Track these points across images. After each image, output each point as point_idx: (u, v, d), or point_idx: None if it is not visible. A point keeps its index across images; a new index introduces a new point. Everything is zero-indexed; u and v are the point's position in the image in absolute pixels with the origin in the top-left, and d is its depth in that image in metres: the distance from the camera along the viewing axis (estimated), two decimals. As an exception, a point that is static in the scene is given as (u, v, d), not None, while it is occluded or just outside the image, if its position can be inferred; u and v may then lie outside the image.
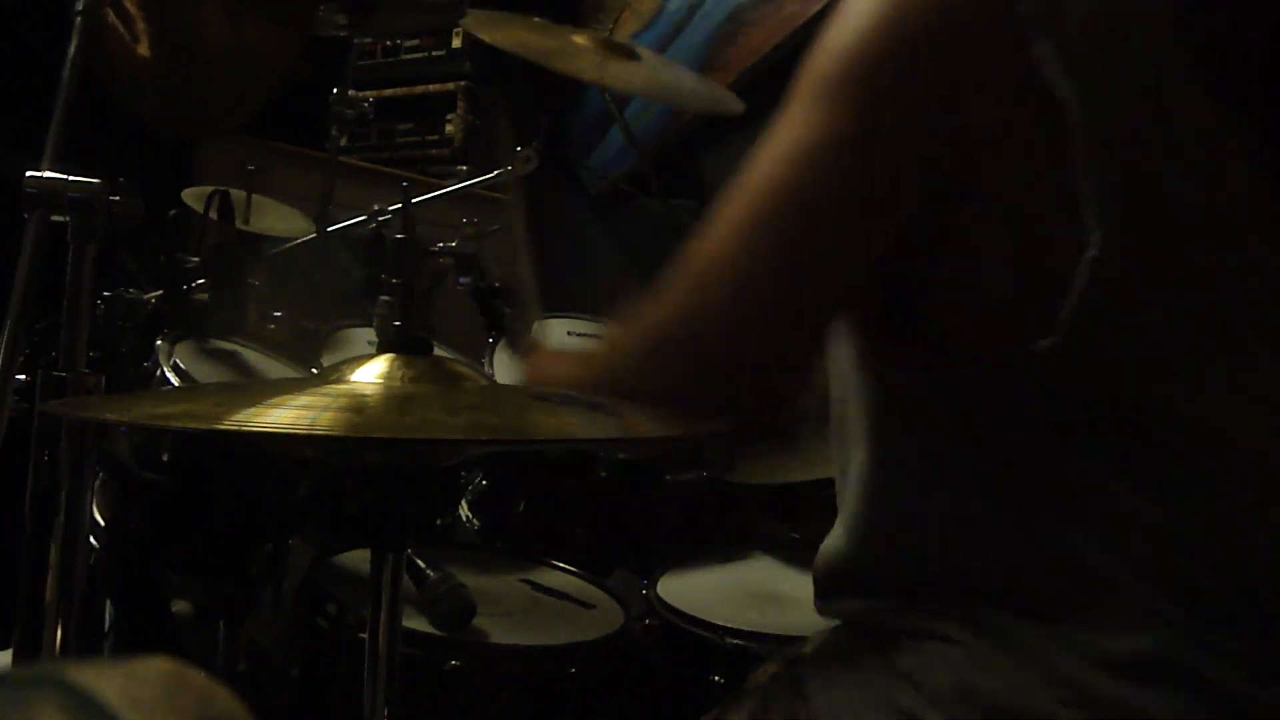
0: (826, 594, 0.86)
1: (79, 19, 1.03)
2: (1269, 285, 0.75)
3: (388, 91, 2.78)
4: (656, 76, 1.74)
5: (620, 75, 1.66)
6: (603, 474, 1.56)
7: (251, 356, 1.49)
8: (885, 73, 0.72)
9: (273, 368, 1.48)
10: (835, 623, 0.86)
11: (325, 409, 0.72)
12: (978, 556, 0.75)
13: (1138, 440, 0.72)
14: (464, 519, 1.59)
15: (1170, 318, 0.72)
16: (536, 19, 1.72)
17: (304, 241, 1.88)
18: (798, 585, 1.36)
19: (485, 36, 1.61)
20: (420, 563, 1.17)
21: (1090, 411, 0.72)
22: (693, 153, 2.63)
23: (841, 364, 0.84)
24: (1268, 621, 0.71)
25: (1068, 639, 0.70)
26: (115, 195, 1.02)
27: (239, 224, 1.80)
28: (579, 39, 1.72)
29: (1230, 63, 0.75)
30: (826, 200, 0.75)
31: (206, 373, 1.38)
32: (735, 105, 1.78)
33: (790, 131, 0.75)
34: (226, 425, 0.69)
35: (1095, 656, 0.69)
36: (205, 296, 1.49)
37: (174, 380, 1.34)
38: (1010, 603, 0.73)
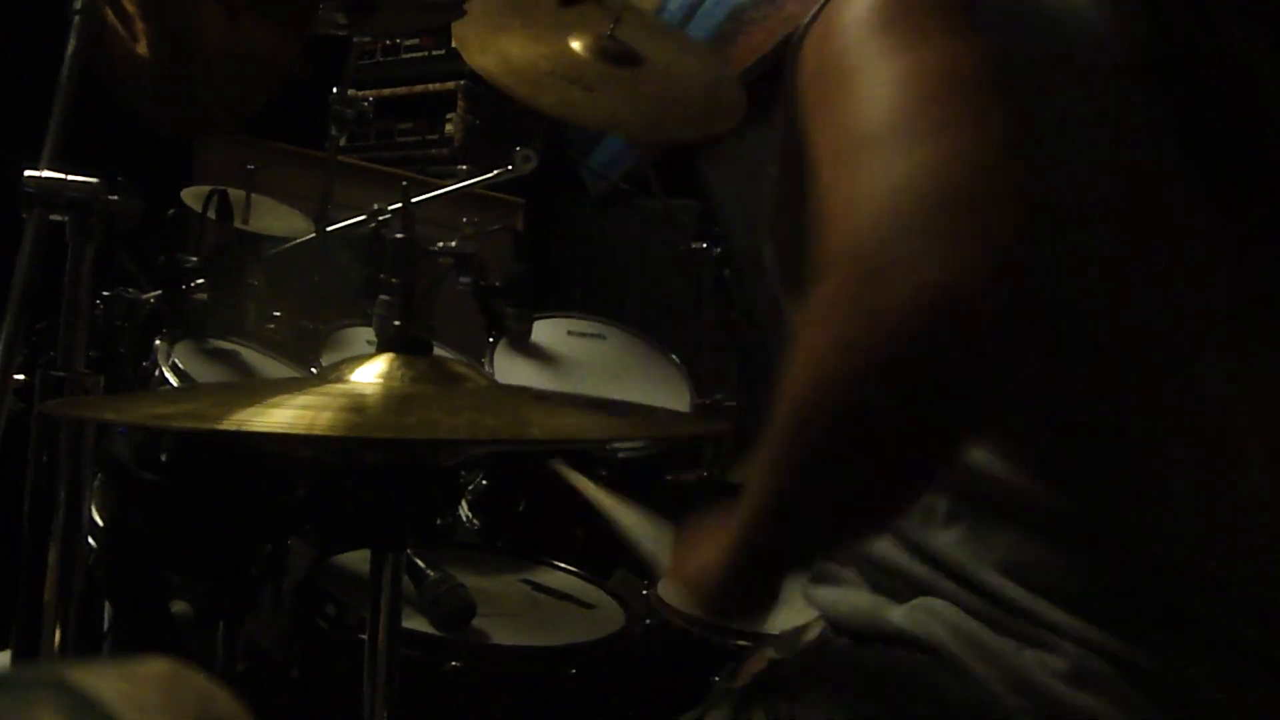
0: (814, 578, 0.86)
1: (78, 18, 1.03)
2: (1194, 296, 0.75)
3: (387, 91, 2.77)
4: (652, 91, 1.73)
5: (610, 104, 1.66)
6: (603, 474, 1.56)
7: (251, 356, 1.48)
8: None
9: (272, 368, 1.48)
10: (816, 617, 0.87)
11: (325, 409, 0.72)
12: (955, 565, 0.75)
13: (1080, 456, 0.73)
14: (464, 519, 1.59)
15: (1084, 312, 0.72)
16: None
17: (303, 241, 1.88)
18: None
19: (472, 61, 1.62)
20: (420, 563, 1.16)
21: (1033, 428, 0.73)
22: (693, 153, 2.63)
23: None
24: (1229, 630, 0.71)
25: (1031, 646, 0.71)
26: (114, 195, 1.01)
27: (238, 224, 1.79)
28: (575, 42, 1.71)
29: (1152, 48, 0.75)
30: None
31: (206, 373, 1.38)
32: (729, 119, 1.77)
33: (892, 65, 0.66)
34: (226, 425, 0.69)
35: (1056, 666, 0.70)
36: (204, 296, 1.49)
37: (173, 380, 1.34)
38: (981, 612, 0.73)
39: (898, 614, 0.76)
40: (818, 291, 0.62)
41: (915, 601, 0.75)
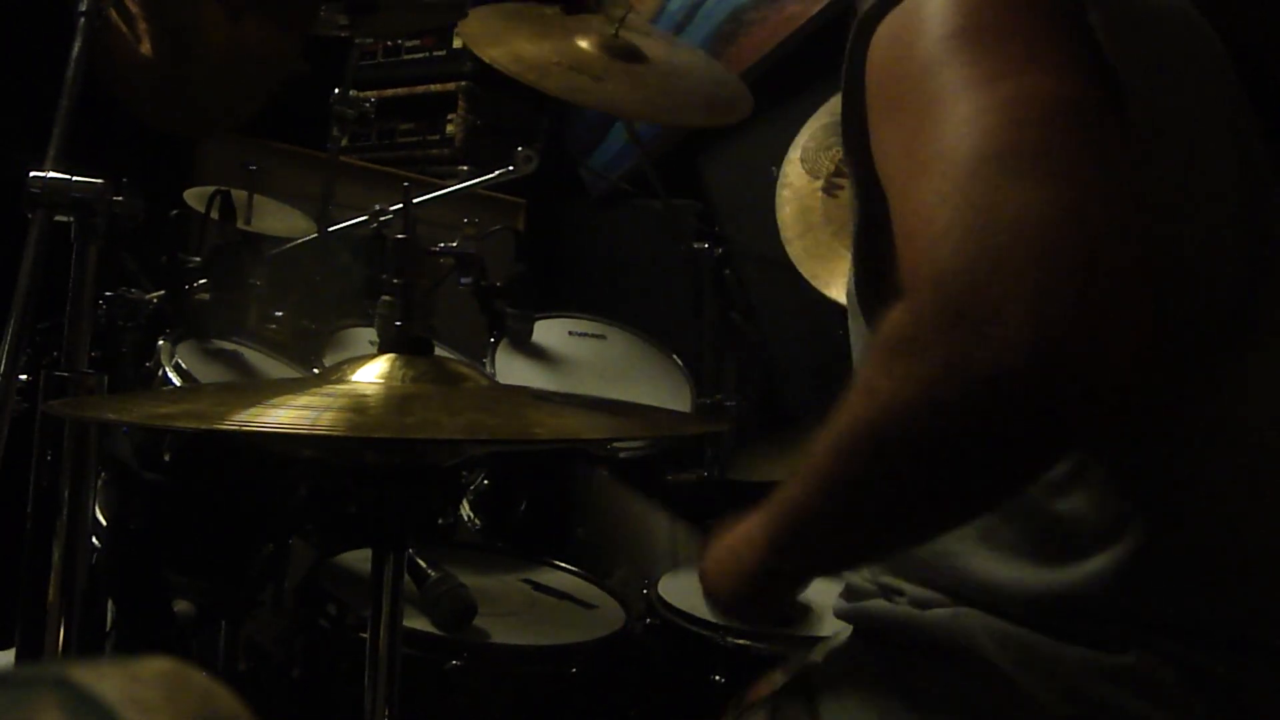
0: (851, 594, 0.84)
1: (82, 20, 1.03)
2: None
3: (389, 91, 2.78)
4: (658, 84, 1.74)
5: (618, 92, 1.67)
6: (603, 474, 1.56)
7: (253, 356, 1.49)
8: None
9: (274, 368, 1.48)
10: (845, 627, 0.85)
11: (326, 409, 0.72)
12: (995, 572, 0.73)
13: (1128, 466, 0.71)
14: (465, 519, 1.59)
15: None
16: (548, 11, 1.73)
17: (305, 241, 1.88)
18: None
19: (481, 53, 1.63)
20: (421, 562, 1.17)
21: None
22: (694, 153, 2.64)
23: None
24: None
25: (1081, 656, 0.69)
26: (117, 195, 1.02)
27: (240, 224, 1.80)
28: (582, 41, 1.72)
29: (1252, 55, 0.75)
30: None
31: (208, 373, 1.38)
32: (739, 111, 1.78)
33: (987, 90, 0.62)
34: (228, 425, 0.69)
35: (1106, 672, 0.68)
36: (206, 296, 1.49)
37: (175, 380, 1.34)
38: (1029, 619, 0.71)
39: (935, 624, 0.74)
40: (898, 314, 0.60)
41: (952, 611, 0.74)
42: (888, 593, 0.79)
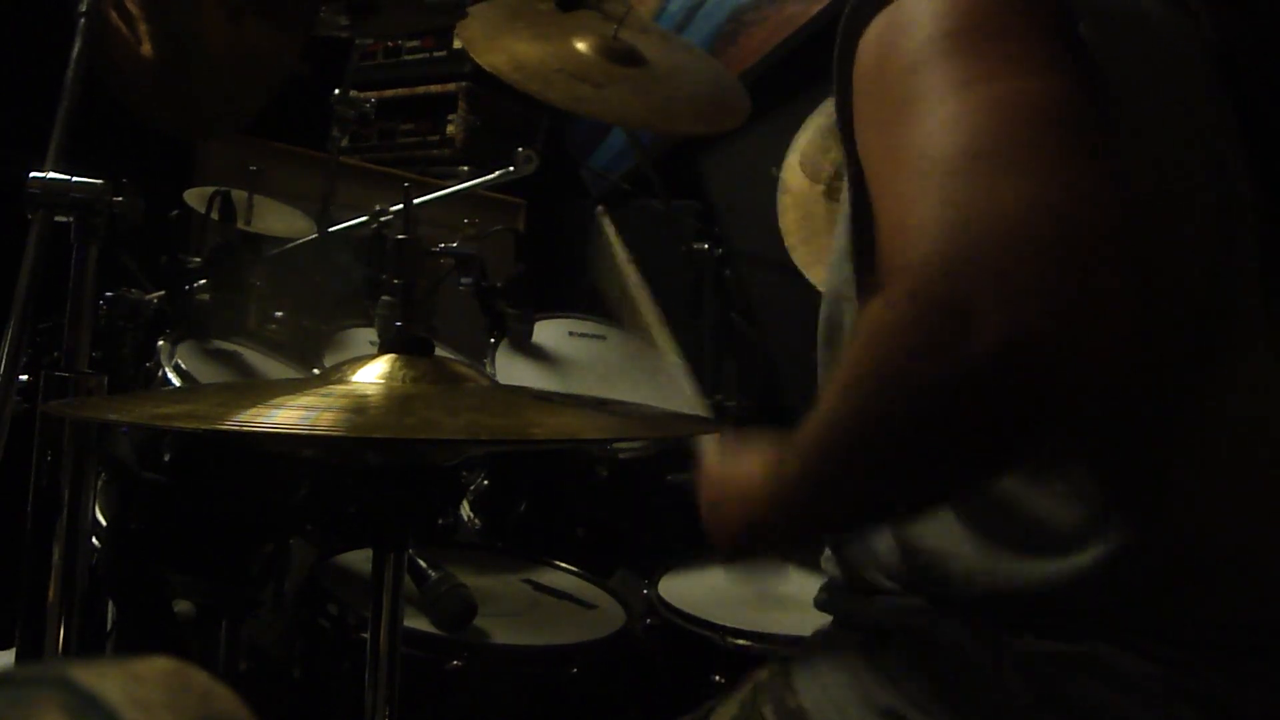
0: (831, 588, 0.86)
1: (82, 20, 1.03)
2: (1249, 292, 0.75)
3: (389, 92, 2.78)
4: (658, 89, 1.74)
5: (619, 100, 1.67)
6: (603, 474, 1.56)
7: (253, 357, 1.49)
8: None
9: (274, 368, 1.48)
10: (828, 619, 0.87)
11: (326, 409, 0.72)
12: (974, 569, 0.74)
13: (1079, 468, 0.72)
14: (465, 519, 1.59)
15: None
16: (542, 5, 1.73)
17: (305, 242, 1.89)
18: (798, 585, 1.36)
19: (481, 59, 1.63)
20: (421, 562, 1.17)
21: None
22: (694, 153, 2.64)
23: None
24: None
25: (1047, 646, 0.71)
26: (117, 196, 1.02)
27: (240, 224, 1.80)
28: (580, 43, 1.72)
29: (1239, 65, 0.76)
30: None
31: (208, 373, 1.39)
32: (738, 115, 1.78)
33: (962, 94, 0.63)
34: (228, 425, 0.69)
35: (1069, 659, 0.70)
36: (207, 297, 1.49)
37: (176, 380, 1.34)
38: (1002, 615, 0.73)
39: (909, 612, 0.76)
40: (877, 305, 0.61)
41: (926, 603, 0.76)
42: (866, 587, 0.81)
